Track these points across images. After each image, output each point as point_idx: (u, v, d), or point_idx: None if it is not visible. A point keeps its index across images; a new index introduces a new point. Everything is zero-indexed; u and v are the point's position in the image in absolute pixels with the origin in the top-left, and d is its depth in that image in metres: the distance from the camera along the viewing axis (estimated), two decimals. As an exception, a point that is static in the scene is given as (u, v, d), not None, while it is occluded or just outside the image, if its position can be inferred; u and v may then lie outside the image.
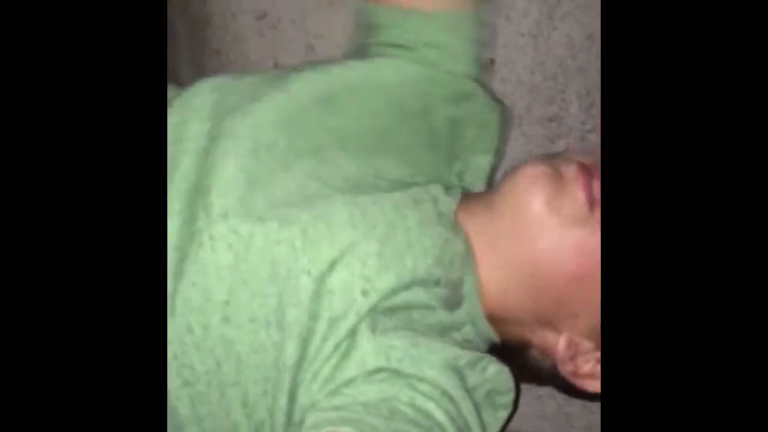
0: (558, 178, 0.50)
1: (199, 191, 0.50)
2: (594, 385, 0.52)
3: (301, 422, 0.45)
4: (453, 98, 0.59)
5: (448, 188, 0.56)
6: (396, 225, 0.50)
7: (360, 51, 0.61)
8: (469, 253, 0.52)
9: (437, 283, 0.50)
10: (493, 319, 0.52)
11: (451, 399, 0.46)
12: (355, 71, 0.56)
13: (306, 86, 0.54)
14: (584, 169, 0.50)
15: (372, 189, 0.52)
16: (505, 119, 0.63)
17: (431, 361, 0.46)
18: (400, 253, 0.49)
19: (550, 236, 0.49)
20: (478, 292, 0.51)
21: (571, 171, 0.50)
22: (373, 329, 0.46)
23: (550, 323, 0.51)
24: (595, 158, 0.52)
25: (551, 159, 0.52)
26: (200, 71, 0.72)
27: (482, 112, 0.61)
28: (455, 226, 0.53)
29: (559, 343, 0.52)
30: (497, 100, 0.63)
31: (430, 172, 0.57)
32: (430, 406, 0.44)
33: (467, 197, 0.56)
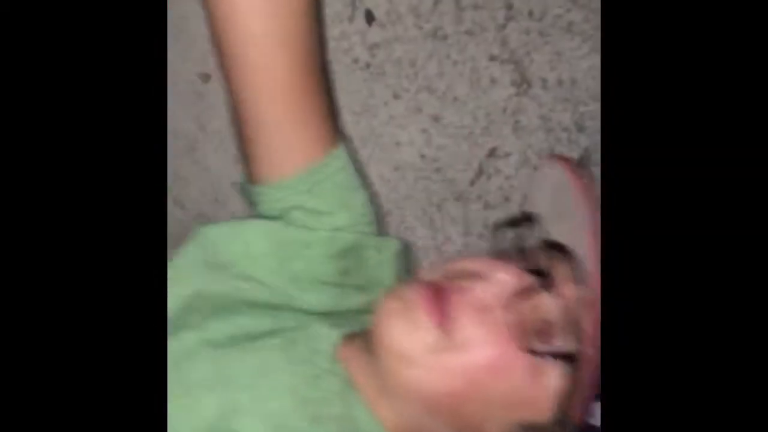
0: (407, 308, 0.49)
1: None
2: None
3: None
4: (336, 255, 0.59)
5: (339, 323, 0.56)
6: (260, 372, 0.51)
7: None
8: (348, 388, 0.52)
9: (316, 420, 0.50)
10: None
11: None
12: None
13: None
14: (427, 289, 0.49)
15: (243, 341, 0.53)
16: (405, 251, 0.64)
17: None
18: (261, 398, 0.50)
19: (416, 369, 0.48)
20: (381, 424, 0.51)
21: (414, 296, 0.49)
22: None
23: (476, 429, 0.51)
24: (460, 265, 0.52)
25: (407, 284, 0.52)
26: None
27: (373, 258, 0.61)
28: (332, 362, 0.53)
29: None
30: (388, 236, 0.63)
31: (324, 314, 0.58)
32: None
33: (357, 333, 0.55)
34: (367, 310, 0.54)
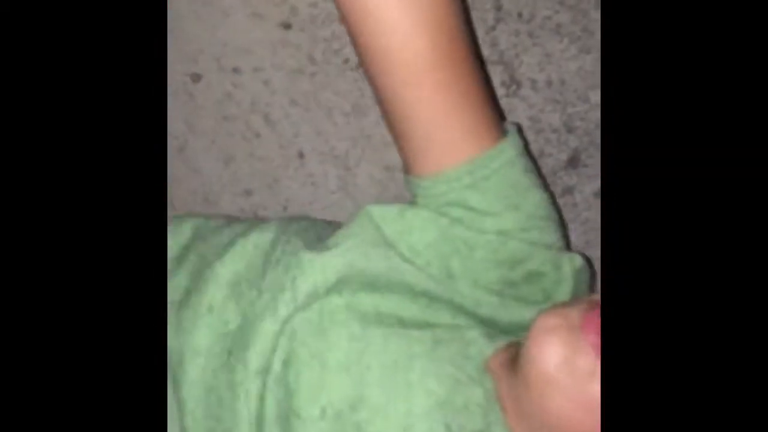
0: (570, 329, 0.45)
1: (238, 343, 0.52)
2: None
3: None
4: (502, 263, 0.54)
5: (494, 334, 0.53)
6: (398, 365, 0.48)
7: None
8: (492, 402, 0.48)
9: (450, 428, 0.47)
10: None
11: None
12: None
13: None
14: (595, 312, 0.45)
15: (390, 323, 0.50)
16: (586, 267, 0.57)
17: None
18: (393, 396, 0.48)
19: (560, 397, 0.45)
20: None
21: (579, 318, 0.45)
22: None
23: None
24: None
25: (574, 302, 0.48)
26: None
27: (549, 275, 0.55)
28: (480, 372, 0.50)
29: None
30: (568, 252, 0.56)
31: (482, 320, 0.54)
32: None
33: (510, 346, 0.52)
34: (527, 327, 0.50)
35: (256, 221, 0.63)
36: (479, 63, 0.54)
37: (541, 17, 0.65)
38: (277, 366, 0.51)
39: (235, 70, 0.70)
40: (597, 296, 0.48)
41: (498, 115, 0.55)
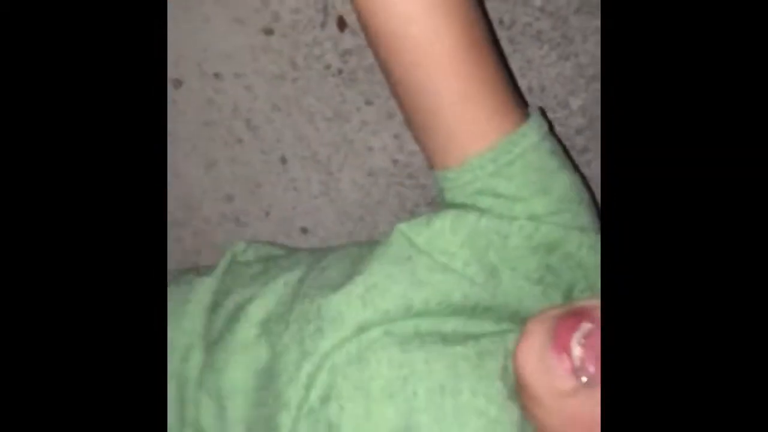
0: (547, 342, 0.45)
1: (269, 378, 0.51)
2: None
3: None
4: (538, 248, 0.53)
5: None
6: (445, 388, 0.47)
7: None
8: (525, 422, 0.48)
9: None
10: None
11: None
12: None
13: None
14: (574, 322, 0.45)
15: (433, 341, 0.49)
16: None
17: None
18: (444, 422, 0.47)
19: (542, 412, 0.45)
20: None
21: (559, 329, 0.45)
22: None
23: None
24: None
25: (561, 308, 0.48)
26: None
27: (588, 258, 0.54)
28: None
29: None
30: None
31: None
32: None
33: None
34: None
35: (292, 254, 0.62)
36: (497, 47, 0.54)
37: (521, 24, 0.65)
38: (314, 402, 0.49)
39: (217, 76, 0.70)
40: (580, 302, 0.48)
41: (519, 99, 0.55)
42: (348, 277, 0.53)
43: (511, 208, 0.52)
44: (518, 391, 0.47)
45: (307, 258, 0.59)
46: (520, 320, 0.51)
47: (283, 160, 0.73)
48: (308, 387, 0.50)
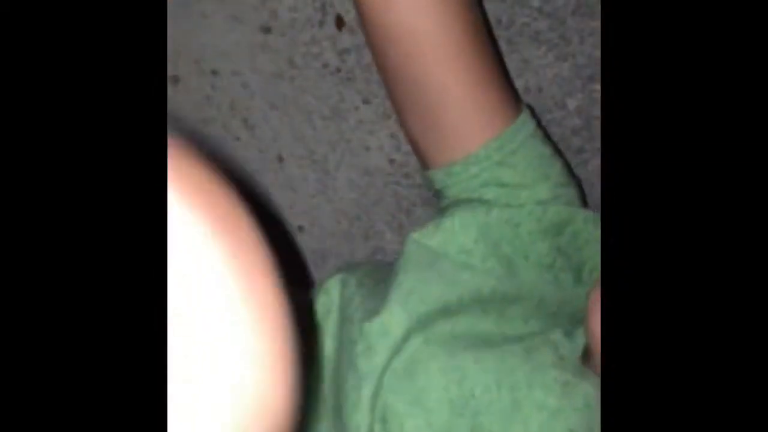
0: None
1: (336, 410, 0.50)
2: None
3: None
4: (548, 230, 0.53)
5: (570, 331, 0.51)
6: (501, 383, 0.47)
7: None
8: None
9: None
10: None
11: None
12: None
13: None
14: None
15: (475, 342, 0.49)
16: None
17: None
18: (507, 419, 0.46)
19: None
20: None
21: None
22: None
23: None
24: None
25: None
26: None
27: (589, 233, 0.54)
28: (582, 369, 0.48)
29: None
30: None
31: (551, 316, 0.53)
32: None
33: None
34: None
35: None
36: (493, 39, 0.54)
37: (519, 24, 0.65)
38: (377, 427, 0.49)
39: (214, 73, 0.70)
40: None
41: (513, 90, 0.55)
42: (380, 298, 0.52)
43: (517, 196, 0.53)
44: (592, 364, 0.46)
45: (339, 279, 0.58)
46: (546, 317, 0.51)
47: (280, 159, 0.73)
48: (372, 409, 0.49)
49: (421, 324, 0.50)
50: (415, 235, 0.54)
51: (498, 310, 0.51)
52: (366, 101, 0.69)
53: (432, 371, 0.48)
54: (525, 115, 0.54)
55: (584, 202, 0.57)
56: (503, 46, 0.66)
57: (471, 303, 0.51)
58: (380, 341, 0.50)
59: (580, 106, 0.69)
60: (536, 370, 0.48)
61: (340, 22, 0.66)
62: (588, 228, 0.54)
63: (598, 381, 0.47)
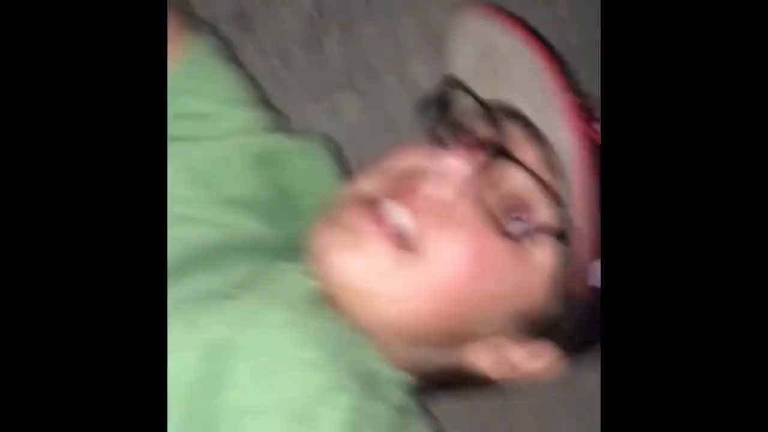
0: (353, 236, 0.42)
1: None
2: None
3: None
4: (255, 164, 0.50)
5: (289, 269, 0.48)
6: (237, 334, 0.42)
7: None
8: (356, 331, 0.44)
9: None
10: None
11: None
12: None
13: None
14: (369, 207, 0.42)
15: (210, 301, 0.45)
16: (330, 149, 0.54)
17: None
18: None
19: (384, 302, 0.42)
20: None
21: (356, 220, 0.42)
22: None
23: (468, 337, 0.44)
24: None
25: (344, 204, 0.44)
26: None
27: (300, 166, 0.52)
28: (321, 306, 0.45)
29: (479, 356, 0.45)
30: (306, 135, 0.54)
31: (272, 251, 0.50)
32: None
33: None
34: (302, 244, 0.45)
35: None
36: None
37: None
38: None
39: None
40: (355, 190, 0.45)
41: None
42: None
43: (202, 127, 0.50)
44: (350, 304, 0.43)
45: None
46: (266, 251, 0.49)
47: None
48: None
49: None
50: None
51: (221, 264, 0.47)
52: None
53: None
54: (201, 39, 0.51)
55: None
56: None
57: (196, 261, 0.47)
58: None
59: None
60: (264, 310, 0.43)
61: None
62: (297, 160, 0.52)
63: (329, 314, 0.43)
